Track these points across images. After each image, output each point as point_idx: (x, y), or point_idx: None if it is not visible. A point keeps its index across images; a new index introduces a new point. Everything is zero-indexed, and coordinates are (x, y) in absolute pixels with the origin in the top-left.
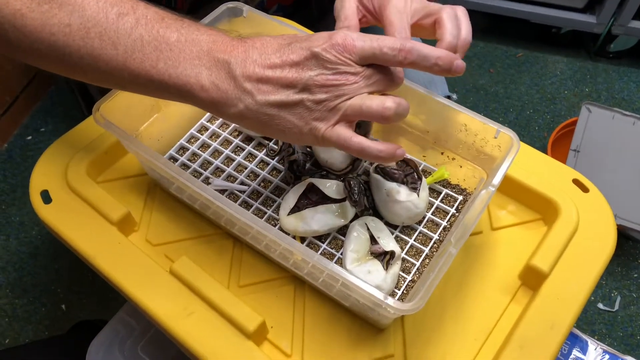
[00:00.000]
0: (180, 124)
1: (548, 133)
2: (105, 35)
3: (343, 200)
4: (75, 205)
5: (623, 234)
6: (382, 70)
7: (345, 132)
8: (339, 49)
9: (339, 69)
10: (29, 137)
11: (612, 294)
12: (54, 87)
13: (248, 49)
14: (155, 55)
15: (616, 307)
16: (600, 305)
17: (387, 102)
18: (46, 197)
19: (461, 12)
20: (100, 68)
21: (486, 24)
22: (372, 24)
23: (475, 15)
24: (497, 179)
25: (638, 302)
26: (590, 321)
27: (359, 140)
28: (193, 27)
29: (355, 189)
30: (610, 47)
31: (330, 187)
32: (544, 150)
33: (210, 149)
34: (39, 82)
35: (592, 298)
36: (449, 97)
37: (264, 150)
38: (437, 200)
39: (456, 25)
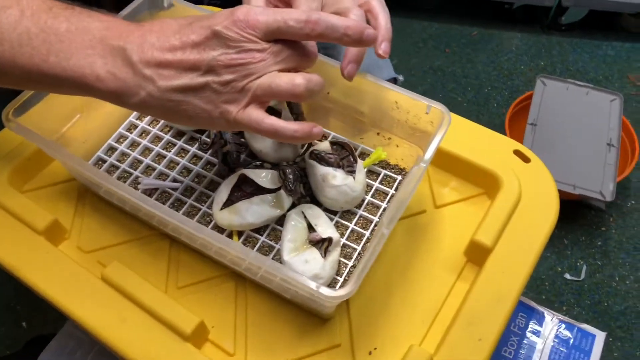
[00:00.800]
0: (107, 123)
1: (506, 109)
2: None
3: (278, 189)
4: None
5: (585, 204)
6: (291, 46)
7: (257, 114)
8: (242, 25)
9: (243, 46)
10: None
11: (578, 264)
12: None
13: (145, 33)
14: (44, 48)
15: (582, 276)
16: (567, 276)
17: (296, 79)
18: None
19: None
20: None
21: (440, 4)
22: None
23: None
24: (428, 155)
25: (603, 269)
26: (559, 292)
27: (271, 122)
28: (84, 15)
29: (291, 177)
30: (562, 20)
31: (265, 177)
32: (502, 126)
33: (139, 147)
34: None
35: (559, 269)
36: (395, 80)
37: (197, 144)
38: (375, 182)
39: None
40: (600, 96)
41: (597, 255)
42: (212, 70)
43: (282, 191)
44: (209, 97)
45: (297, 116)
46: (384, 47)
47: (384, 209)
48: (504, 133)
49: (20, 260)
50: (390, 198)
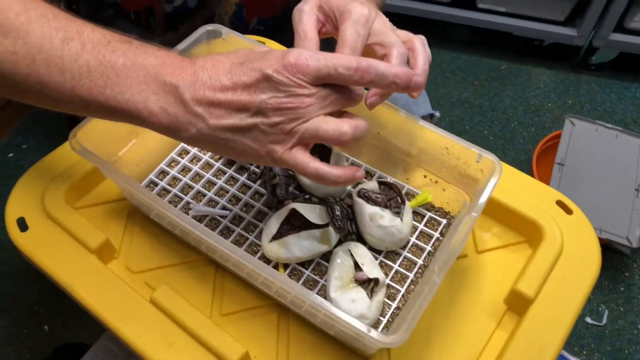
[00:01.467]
0: (160, 147)
1: (533, 146)
2: (52, 62)
3: (326, 225)
4: (53, 233)
5: (609, 248)
6: (339, 90)
7: (302, 157)
8: (292, 70)
9: (292, 91)
10: (11, 155)
11: (600, 308)
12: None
13: (197, 70)
14: (102, 81)
15: (604, 321)
16: (589, 320)
17: (343, 127)
18: (22, 225)
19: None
20: (49, 95)
21: (469, 37)
22: (331, 34)
23: (458, 29)
24: (479, 205)
25: (626, 315)
26: (579, 336)
27: (315, 166)
28: (140, 50)
29: (338, 214)
30: (592, 60)
31: (313, 212)
32: (529, 163)
33: (191, 173)
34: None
35: (581, 312)
36: (431, 115)
37: (246, 174)
38: (420, 224)
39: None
40: (629, 140)
41: (620, 300)
42: (261, 112)
43: (329, 227)
44: (256, 137)
45: (331, 148)
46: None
47: (429, 252)
48: (530, 170)
49: (73, 278)
50: (435, 241)
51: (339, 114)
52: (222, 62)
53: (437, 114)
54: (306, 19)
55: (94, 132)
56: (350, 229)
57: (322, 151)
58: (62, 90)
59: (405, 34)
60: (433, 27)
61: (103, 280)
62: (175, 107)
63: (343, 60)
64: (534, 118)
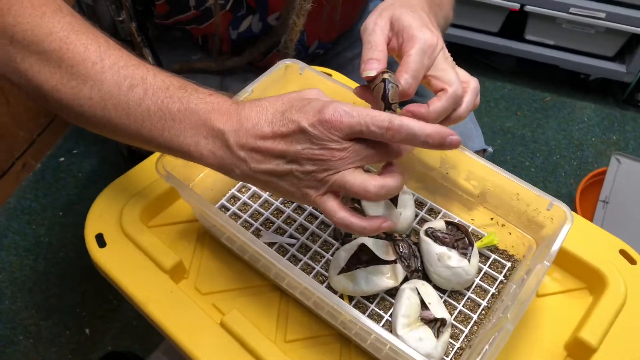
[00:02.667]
0: None
1: (574, 180)
2: (119, 107)
3: (394, 262)
4: (129, 251)
5: None
6: (374, 145)
7: (331, 205)
8: (326, 126)
9: (325, 144)
10: (62, 159)
11: None
12: None
13: (242, 118)
14: (160, 124)
15: None
16: None
17: (368, 186)
18: (101, 241)
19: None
20: (119, 133)
21: (514, 67)
22: (392, 53)
23: (504, 58)
24: (551, 254)
25: None
26: None
27: (342, 215)
28: (194, 96)
29: (406, 251)
30: (638, 96)
31: (381, 248)
32: (569, 197)
33: (260, 200)
34: None
35: None
36: (484, 151)
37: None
38: (485, 265)
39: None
40: None
41: None
42: (296, 161)
43: (397, 264)
44: (292, 181)
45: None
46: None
47: (492, 294)
48: (571, 204)
49: (147, 297)
50: (499, 284)
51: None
52: (266, 110)
53: (490, 149)
54: (379, 32)
55: (176, 159)
56: (418, 267)
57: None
58: (128, 131)
59: (463, 74)
60: (478, 54)
61: (175, 300)
62: (221, 150)
63: (376, 118)
64: (577, 152)
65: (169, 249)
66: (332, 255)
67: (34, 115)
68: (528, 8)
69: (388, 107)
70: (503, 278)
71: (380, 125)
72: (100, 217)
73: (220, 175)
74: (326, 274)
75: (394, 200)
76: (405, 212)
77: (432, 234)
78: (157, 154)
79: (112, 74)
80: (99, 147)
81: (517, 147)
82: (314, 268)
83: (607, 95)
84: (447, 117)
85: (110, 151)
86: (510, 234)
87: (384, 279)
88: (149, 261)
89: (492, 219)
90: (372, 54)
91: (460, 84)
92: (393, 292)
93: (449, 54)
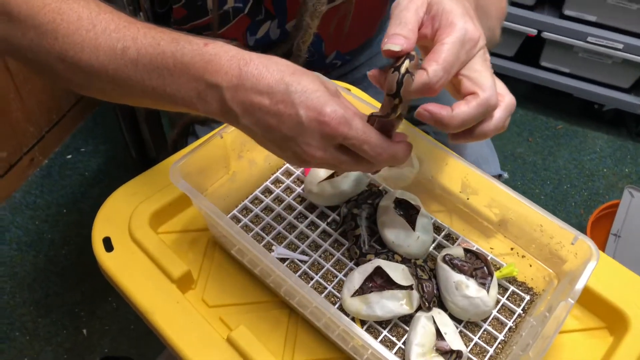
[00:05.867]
0: (246, 184)
1: (585, 210)
2: (119, 71)
3: (410, 288)
4: (137, 257)
5: None
6: (356, 158)
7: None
8: (322, 128)
9: (310, 143)
10: (69, 156)
11: None
12: (99, 109)
13: (242, 76)
14: (161, 81)
15: None
16: None
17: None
18: (108, 245)
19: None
20: (130, 95)
21: (528, 93)
22: (423, 41)
23: (518, 83)
24: (575, 292)
25: None
26: None
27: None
28: (187, 49)
29: (422, 277)
30: None
31: (397, 271)
32: (579, 227)
33: (273, 213)
34: (86, 102)
35: None
36: (499, 176)
37: (327, 221)
38: (503, 297)
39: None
40: None
41: None
42: (282, 139)
43: (413, 290)
44: (279, 145)
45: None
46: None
47: (510, 328)
48: None
49: (153, 306)
50: (517, 317)
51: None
52: (271, 74)
53: (505, 175)
54: (413, 10)
55: (192, 166)
56: (434, 294)
57: (406, 209)
58: (135, 91)
59: (501, 86)
60: None
61: (182, 311)
62: (219, 104)
63: (371, 140)
64: (588, 182)
65: (177, 258)
66: (345, 275)
67: (46, 112)
68: (545, 35)
69: (392, 105)
70: (521, 311)
71: (373, 151)
72: (108, 220)
73: (234, 185)
74: (338, 294)
75: (412, 223)
76: (423, 236)
77: (450, 261)
78: (169, 160)
79: (105, 39)
80: (108, 146)
81: (528, 173)
82: (325, 288)
83: (620, 127)
84: (470, 130)
85: (118, 151)
86: (530, 266)
87: (399, 304)
88: (156, 269)
89: (512, 249)
90: (400, 29)
91: (496, 92)
92: (407, 319)
93: (489, 57)
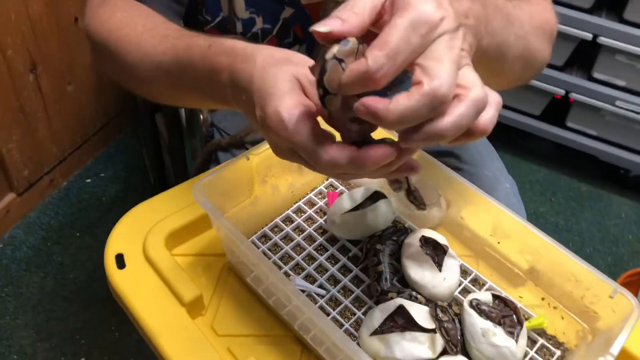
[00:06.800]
0: (267, 210)
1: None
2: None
3: (433, 331)
4: (148, 276)
5: None
6: (307, 162)
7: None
8: (265, 127)
9: (269, 141)
10: (89, 180)
11: None
12: (122, 136)
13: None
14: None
15: None
16: None
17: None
18: (120, 262)
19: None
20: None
21: (552, 152)
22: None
23: (542, 142)
24: (613, 352)
25: None
26: None
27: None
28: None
29: (447, 321)
30: None
31: (421, 313)
32: None
33: (293, 243)
34: (111, 128)
35: None
36: None
37: (348, 256)
38: (531, 350)
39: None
40: None
41: None
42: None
43: (437, 334)
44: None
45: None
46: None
47: None
48: None
49: (161, 329)
50: None
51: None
52: (251, 69)
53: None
54: None
55: (215, 186)
56: (458, 340)
57: (432, 249)
58: (189, 96)
59: (472, 78)
60: (518, 136)
61: (189, 337)
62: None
63: (305, 143)
64: (612, 247)
65: (190, 282)
66: (364, 314)
67: (71, 134)
68: (573, 95)
69: (319, 96)
70: None
71: (307, 154)
72: (123, 237)
73: (255, 210)
74: (355, 333)
75: (439, 264)
76: (450, 278)
77: (477, 306)
78: (191, 181)
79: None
80: (128, 173)
81: (550, 233)
82: (342, 325)
83: None
84: (416, 128)
85: (138, 178)
86: (562, 318)
87: (420, 348)
88: (167, 291)
89: (543, 299)
90: (342, 12)
91: (452, 83)
92: None
93: (459, 45)
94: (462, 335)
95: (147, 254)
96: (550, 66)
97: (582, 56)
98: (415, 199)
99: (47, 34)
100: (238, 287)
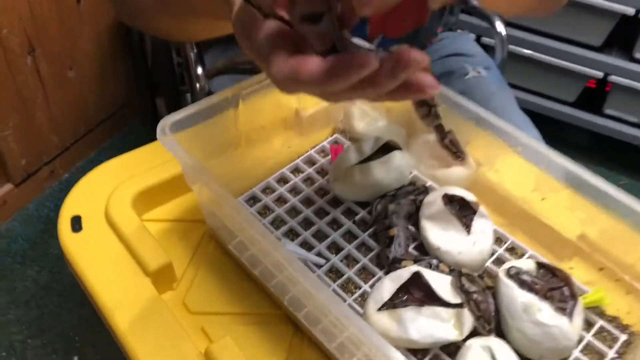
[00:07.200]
0: (257, 169)
1: None
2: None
3: (459, 305)
4: (108, 241)
5: None
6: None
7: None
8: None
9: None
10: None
11: None
12: (128, 127)
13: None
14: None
15: None
16: None
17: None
18: (76, 224)
19: None
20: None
21: (588, 143)
22: None
23: (578, 132)
24: None
25: None
26: None
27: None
28: None
29: (477, 294)
30: None
31: (442, 283)
32: None
33: (286, 205)
34: (116, 119)
35: None
36: None
37: (353, 219)
38: (587, 333)
39: None
40: None
41: None
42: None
43: (465, 310)
44: None
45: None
46: None
47: None
48: None
49: (116, 302)
50: None
51: None
52: None
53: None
54: None
55: (190, 129)
56: (491, 318)
57: (458, 208)
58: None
59: None
60: (550, 125)
61: (152, 313)
62: None
63: (257, 48)
64: None
65: (158, 247)
66: (371, 287)
67: (73, 123)
68: (612, 79)
69: None
70: (615, 355)
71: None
72: (82, 197)
73: (244, 166)
74: (360, 310)
75: (467, 225)
76: (481, 242)
77: (516, 276)
78: None
79: None
80: None
81: None
82: (344, 300)
83: None
84: None
85: None
86: (627, 293)
87: (443, 327)
88: (129, 258)
89: (601, 269)
90: None
91: None
92: (453, 350)
93: None
94: (497, 312)
95: (108, 216)
96: (586, 46)
97: (623, 35)
98: (451, 144)
99: (46, 15)
100: (219, 258)
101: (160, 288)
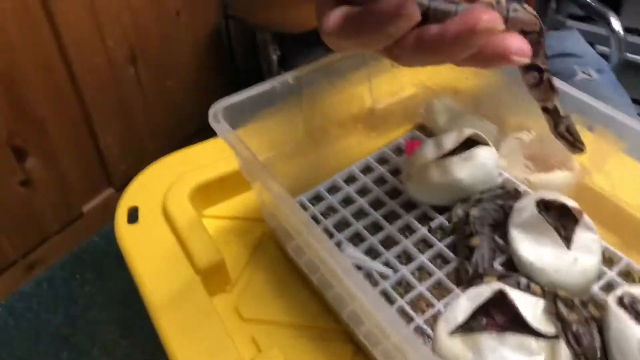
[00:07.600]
0: (324, 166)
1: None
2: None
3: (554, 338)
4: (162, 234)
5: None
6: None
7: None
8: None
9: None
10: None
11: None
12: None
13: None
14: None
15: None
16: None
17: None
18: (133, 216)
19: None
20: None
21: None
22: None
23: None
24: None
25: None
26: None
27: None
28: None
29: (577, 324)
30: None
31: (533, 307)
32: None
33: (352, 206)
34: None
35: None
36: None
37: (428, 226)
38: None
39: None
40: None
41: None
42: None
43: (560, 342)
44: None
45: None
46: None
47: None
48: None
49: (165, 302)
50: None
51: None
52: None
53: None
54: None
55: (254, 132)
56: (596, 355)
57: (557, 217)
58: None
59: None
60: None
61: (200, 318)
62: None
63: None
64: None
65: (211, 244)
66: (446, 306)
67: (169, 131)
68: None
69: None
70: None
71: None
72: (143, 188)
73: (310, 163)
74: (430, 332)
75: (567, 239)
76: (584, 260)
77: (631, 306)
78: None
79: None
80: None
81: None
82: (411, 319)
83: None
84: None
85: None
86: None
87: None
88: (181, 253)
89: None
90: None
91: None
92: None
93: None
94: (604, 350)
95: (165, 209)
96: None
97: None
98: (568, 131)
99: (148, 27)
100: (277, 261)
101: (212, 289)
